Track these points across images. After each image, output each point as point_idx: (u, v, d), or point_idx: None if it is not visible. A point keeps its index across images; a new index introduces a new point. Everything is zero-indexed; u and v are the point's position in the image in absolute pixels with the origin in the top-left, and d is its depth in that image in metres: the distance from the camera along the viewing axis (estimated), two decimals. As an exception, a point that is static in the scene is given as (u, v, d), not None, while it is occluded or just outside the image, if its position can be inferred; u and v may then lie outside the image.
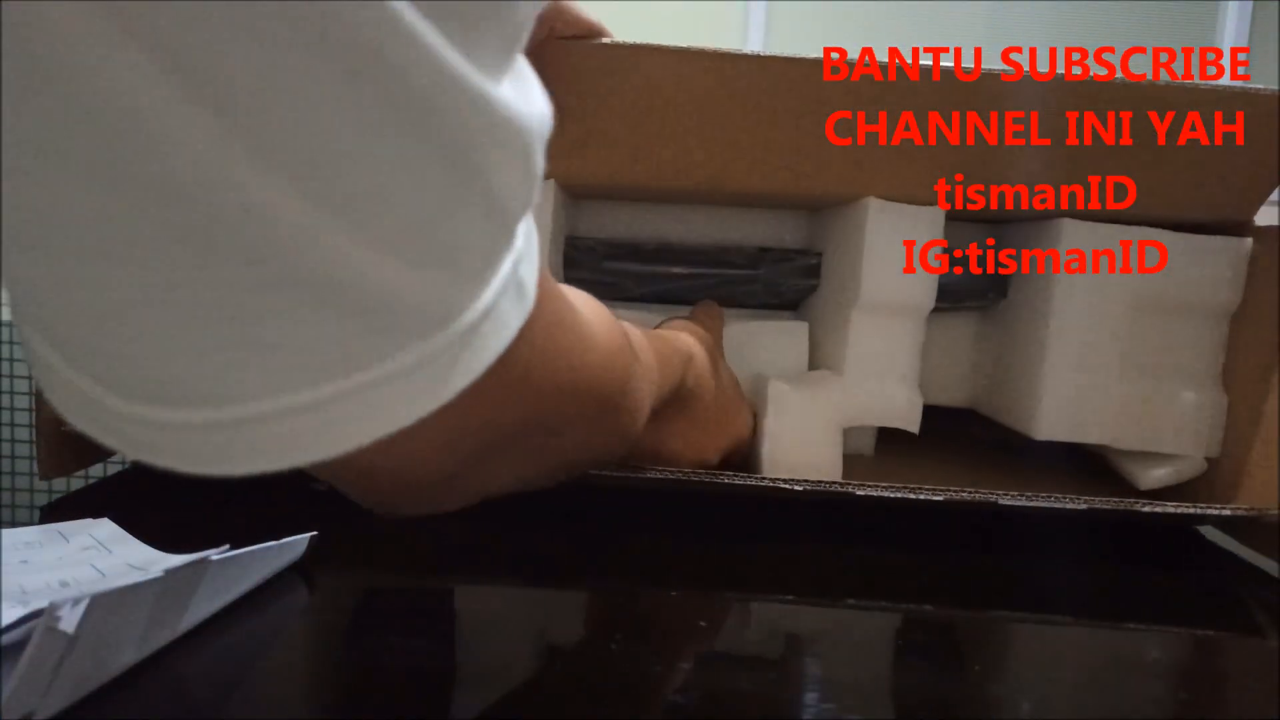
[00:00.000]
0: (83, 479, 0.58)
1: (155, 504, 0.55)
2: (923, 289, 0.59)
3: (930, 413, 0.68)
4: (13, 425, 0.69)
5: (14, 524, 0.44)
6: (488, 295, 0.23)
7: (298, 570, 0.42)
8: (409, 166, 0.19)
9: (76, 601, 0.25)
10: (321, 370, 0.21)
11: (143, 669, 0.32)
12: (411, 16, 0.17)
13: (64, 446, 0.53)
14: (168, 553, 0.40)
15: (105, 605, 0.27)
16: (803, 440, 0.56)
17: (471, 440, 0.27)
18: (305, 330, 0.20)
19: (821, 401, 0.57)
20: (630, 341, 0.37)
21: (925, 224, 0.58)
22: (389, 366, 0.21)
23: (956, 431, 0.69)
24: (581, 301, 0.33)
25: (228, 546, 0.36)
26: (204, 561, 0.33)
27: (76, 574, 0.36)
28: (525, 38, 0.21)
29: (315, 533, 0.42)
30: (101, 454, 0.59)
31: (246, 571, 0.38)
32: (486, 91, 0.19)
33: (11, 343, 1.02)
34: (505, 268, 0.24)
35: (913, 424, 0.60)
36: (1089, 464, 0.64)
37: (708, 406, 0.51)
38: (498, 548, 0.51)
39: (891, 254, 0.58)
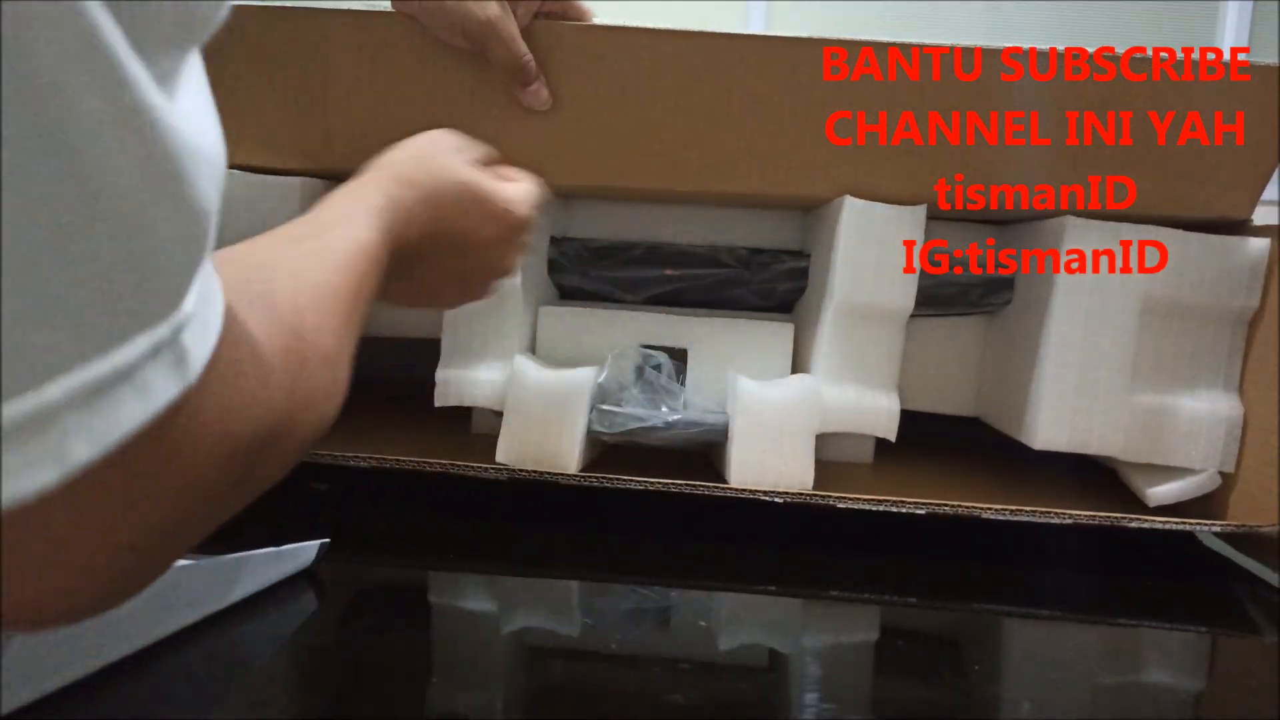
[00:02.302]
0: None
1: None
2: (900, 292, 0.57)
3: (938, 422, 0.68)
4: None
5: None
6: (119, 358, 0.20)
7: (305, 573, 0.42)
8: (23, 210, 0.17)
9: None
10: None
11: (143, 668, 0.32)
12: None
13: None
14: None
15: None
16: (771, 444, 0.54)
17: (136, 541, 0.23)
18: None
19: (792, 405, 0.55)
20: (295, 333, 0.31)
21: (905, 224, 0.56)
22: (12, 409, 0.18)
23: (967, 441, 0.68)
24: (255, 322, 0.27)
25: (213, 554, 0.36)
26: (179, 569, 0.33)
27: None
28: (206, 34, 0.19)
29: (327, 540, 0.42)
30: None
31: (251, 574, 0.38)
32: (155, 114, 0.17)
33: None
34: (157, 333, 0.20)
35: (889, 432, 0.58)
36: (1104, 474, 0.62)
37: (459, 229, 0.43)
38: (498, 548, 0.51)
39: (866, 255, 0.56)
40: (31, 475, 0.19)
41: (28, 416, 0.18)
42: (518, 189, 0.47)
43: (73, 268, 0.18)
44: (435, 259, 0.43)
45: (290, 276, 0.33)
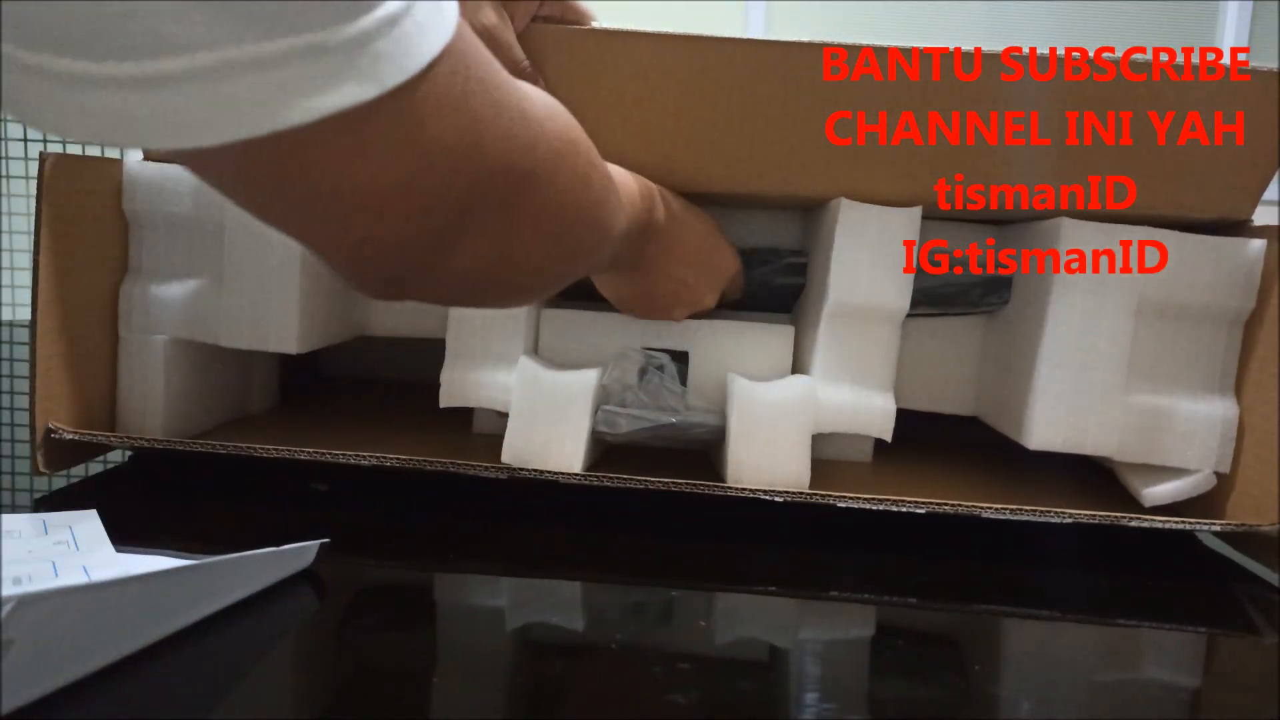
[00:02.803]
0: (95, 468, 0.58)
1: (158, 502, 0.55)
2: (895, 292, 0.57)
3: (937, 421, 0.68)
4: (13, 412, 0.69)
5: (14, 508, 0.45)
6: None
7: (305, 573, 0.42)
8: None
9: (6, 603, 0.25)
10: (283, 23, 0.21)
11: (143, 668, 0.32)
12: None
13: (61, 443, 0.53)
14: (160, 552, 0.40)
15: (39, 609, 0.27)
16: (769, 444, 0.54)
17: (432, 181, 0.28)
18: None
19: (788, 405, 0.55)
20: (581, 133, 0.37)
21: (900, 225, 0.57)
22: (335, 34, 0.22)
23: (966, 440, 0.69)
24: (522, 89, 0.33)
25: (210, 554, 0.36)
26: (178, 570, 0.33)
27: (35, 571, 0.36)
28: None
29: (327, 540, 0.42)
30: (100, 449, 0.59)
31: (252, 574, 0.38)
32: None
33: (12, 343, 1.02)
34: None
35: (885, 432, 0.58)
36: (1104, 474, 0.62)
37: (689, 245, 0.53)
38: (499, 548, 0.51)
39: (861, 256, 0.57)
40: (360, 88, 0.23)
41: (355, 38, 0.23)
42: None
43: None
44: (671, 259, 0.52)
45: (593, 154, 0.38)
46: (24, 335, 1.04)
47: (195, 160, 0.25)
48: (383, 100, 0.24)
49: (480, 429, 0.65)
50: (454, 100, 0.27)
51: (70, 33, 0.20)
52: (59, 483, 0.56)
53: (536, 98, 0.33)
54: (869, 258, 0.57)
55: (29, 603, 0.26)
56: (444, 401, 0.59)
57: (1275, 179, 0.55)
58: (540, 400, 0.55)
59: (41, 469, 0.52)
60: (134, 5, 0.20)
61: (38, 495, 0.54)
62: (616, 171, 0.43)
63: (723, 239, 0.58)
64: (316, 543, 0.42)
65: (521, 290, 0.38)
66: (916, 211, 0.57)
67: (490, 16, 0.51)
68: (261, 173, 0.25)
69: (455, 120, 0.27)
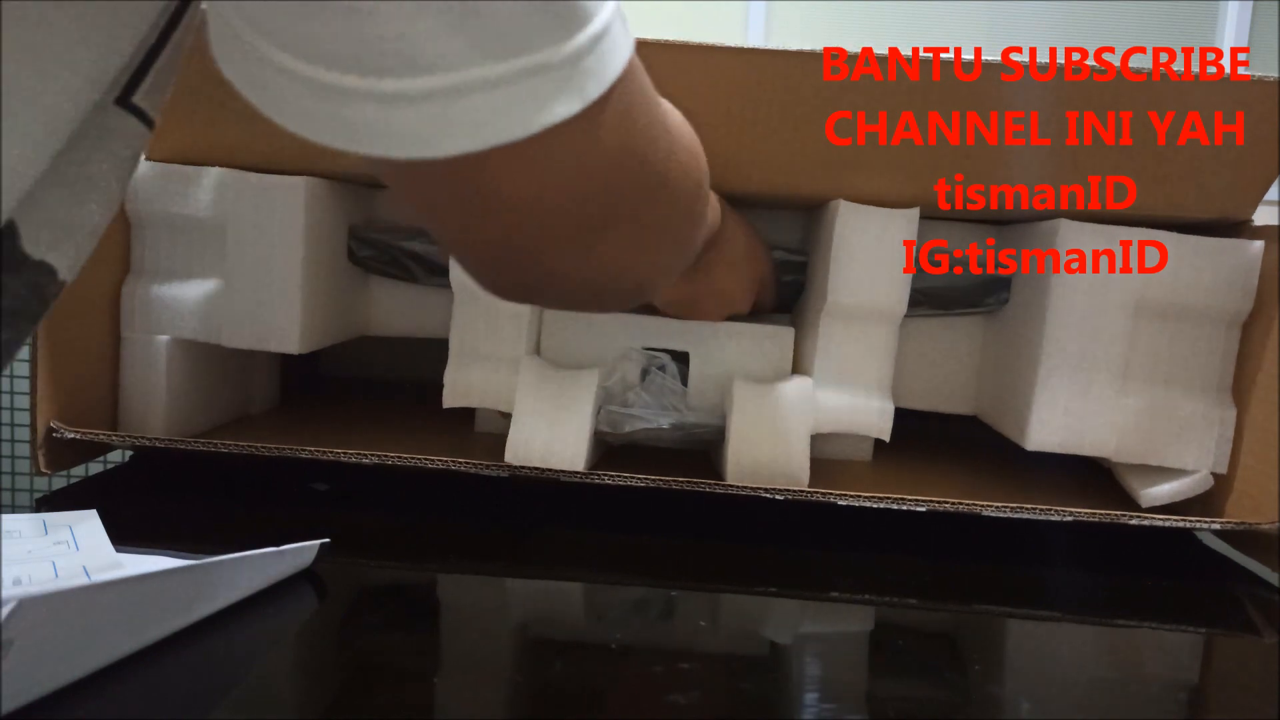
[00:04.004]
0: (97, 465, 0.58)
1: (158, 502, 0.55)
2: (894, 294, 0.57)
3: (936, 420, 0.68)
4: (13, 413, 0.69)
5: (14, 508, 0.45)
6: (608, 10, 0.26)
7: (305, 573, 0.42)
8: None
9: (6, 604, 0.25)
10: (514, 44, 0.23)
11: (143, 668, 0.32)
12: None
13: (63, 443, 0.53)
14: (160, 552, 0.40)
15: (39, 610, 0.27)
16: (768, 443, 0.54)
17: (595, 187, 0.29)
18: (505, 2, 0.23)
19: (789, 405, 0.56)
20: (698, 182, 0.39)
21: (898, 227, 0.57)
22: (556, 52, 0.24)
23: (966, 439, 0.69)
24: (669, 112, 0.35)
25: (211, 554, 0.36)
26: (178, 570, 0.33)
27: (35, 571, 0.36)
28: None
29: (326, 539, 0.42)
30: (101, 449, 0.59)
31: (252, 574, 0.38)
32: None
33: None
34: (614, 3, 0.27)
35: (883, 432, 0.58)
36: (1104, 474, 0.62)
37: (737, 248, 0.54)
38: (499, 548, 0.51)
39: (860, 257, 0.57)
40: (568, 104, 0.25)
41: (581, 47, 0.25)
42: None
43: None
44: (722, 266, 0.53)
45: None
46: (24, 335, 1.04)
47: (399, 170, 0.27)
48: (579, 112, 0.26)
49: (482, 429, 0.65)
50: (628, 110, 0.29)
51: (342, 50, 0.23)
52: (59, 483, 0.56)
53: (670, 107, 0.35)
54: (868, 259, 0.57)
55: (29, 603, 0.26)
56: (448, 401, 0.59)
57: (1275, 179, 0.55)
58: (543, 400, 0.55)
59: (43, 469, 0.52)
60: (403, 29, 0.22)
61: (38, 495, 0.54)
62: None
63: (759, 240, 0.58)
64: (316, 543, 0.42)
65: (633, 296, 0.39)
66: (914, 213, 0.57)
67: None
68: (456, 181, 0.27)
69: (625, 130, 0.29)
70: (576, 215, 0.30)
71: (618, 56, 0.27)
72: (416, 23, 0.22)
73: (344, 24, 0.22)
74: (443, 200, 0.28)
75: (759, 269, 0.59)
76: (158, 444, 0.55)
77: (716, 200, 0.50)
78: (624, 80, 0.28)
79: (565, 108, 0.25)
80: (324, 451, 0.52)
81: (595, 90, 0.26)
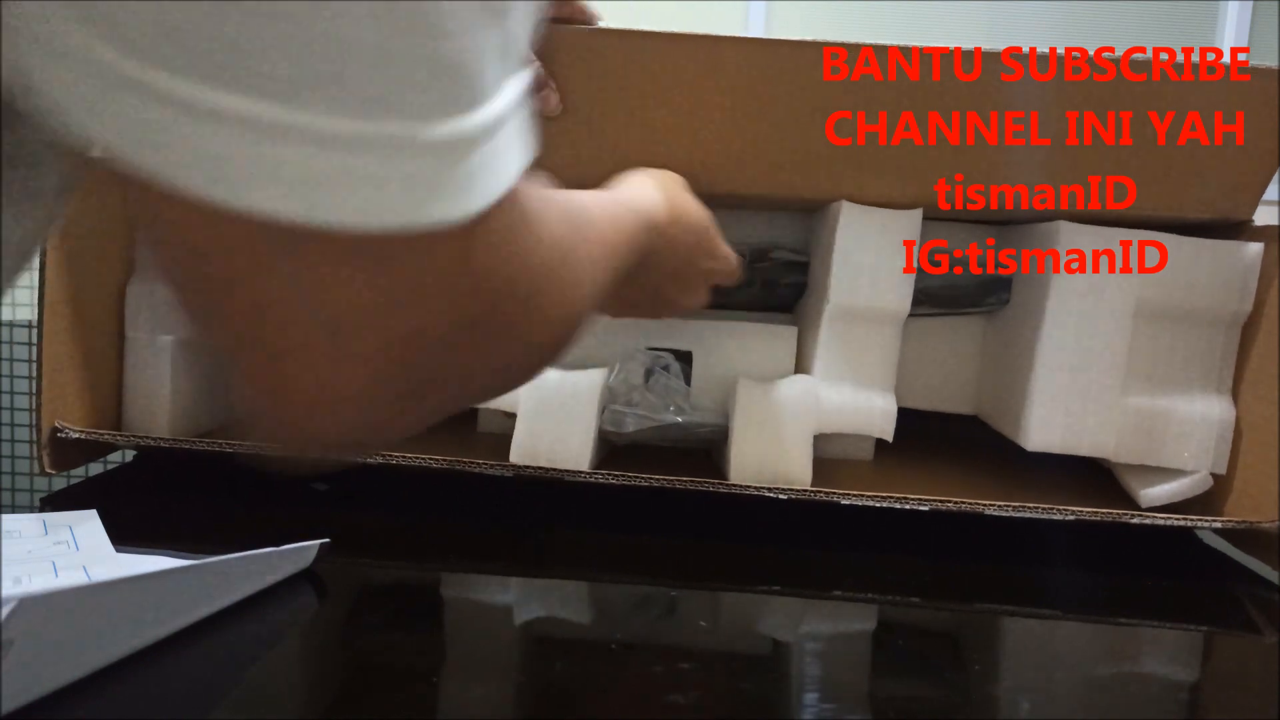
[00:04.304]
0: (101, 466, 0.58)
1: (159, 502, 0.55)
2: (895, 295, 0.58)
3: (937, 420, 0.68)
4: (13, 413, 0.69)
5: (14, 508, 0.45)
6: (502, 102, 0.22)
7: (305, 573, 0.42)
8: None
9: (6, 604, 0.25)
10: (380, 103, 0.19)
11: (143, 668, 0.32)
12: None
13: (67, 443, 0.53)
14: (160, 552, 0.40)
15: (39, 609, 0.27)
16: (770, 443, 0.55)
17: (423, 338, 0.24)
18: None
19: (792, 405, 0.56)
20: (596, 250, 0.34)
21: (901, 228, 0.57)
22: (443, 129, 0.20)
23: (967, 439, 0.69)
24: (562, 227, 0.30)
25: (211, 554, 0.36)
26: (178, 570, 0.33)
27: (35, 571, 0.37)
28: None
29: (327, 540, 0.42)
30: (105, 449, 0.59)
31: (252, 574, 0.38)
32: None
33: (12, 343, 1.02)
34: (515, 88, 0.23)
35: (886, 432, 0.59)
36: (1105, 473, 0.62)
37: (678, 255, 0.49)
38: (499, 548, 0.51)
39: (862, 258, 0.57)
40: (497, 180, 0.22)
41: (488, 128, 0.21)
42: (724, 242, 0.54)
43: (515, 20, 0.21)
44: (655, 277, 0.48)
45: (590, 220, 0.35)
46: (24, 335, 1.04)
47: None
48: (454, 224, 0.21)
49: (485, 429, 0.65)
50: (503, 241, 0.24)
51: (261, 75, 0.18)
52: (59, 483, 0.56)
53: (562, 234, 0.29)
54: (870, 260, 0.57)
55: (29, 603, 0.26)
56: None
57: (1275, 179, 0.55)
58: (548, 400, 0.55)
59: (47, 469, 0.52)
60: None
61: (39, 495, 0.54)
62: (619, 213, 0.40)
63: (715, 242, 0.54)
64: (316, 543, 0.42)
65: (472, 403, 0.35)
66: (917, 214, 0.57)
67: None
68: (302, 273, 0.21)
69: (488, 266, 0.24)
70: (418, 345, 0.24)
71: (500, 171, 0.22)
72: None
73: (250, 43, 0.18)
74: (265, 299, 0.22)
75: (712, 268, 0.53)
76: (162, 444, 0.55)
77: (656, 211, 0.45)
78: (519, 192, 0.23)
79: (441, 209, 0.20)
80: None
81: (471, 203, 0.21)
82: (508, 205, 0.23)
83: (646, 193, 0.46)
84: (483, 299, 0.24)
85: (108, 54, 0.18)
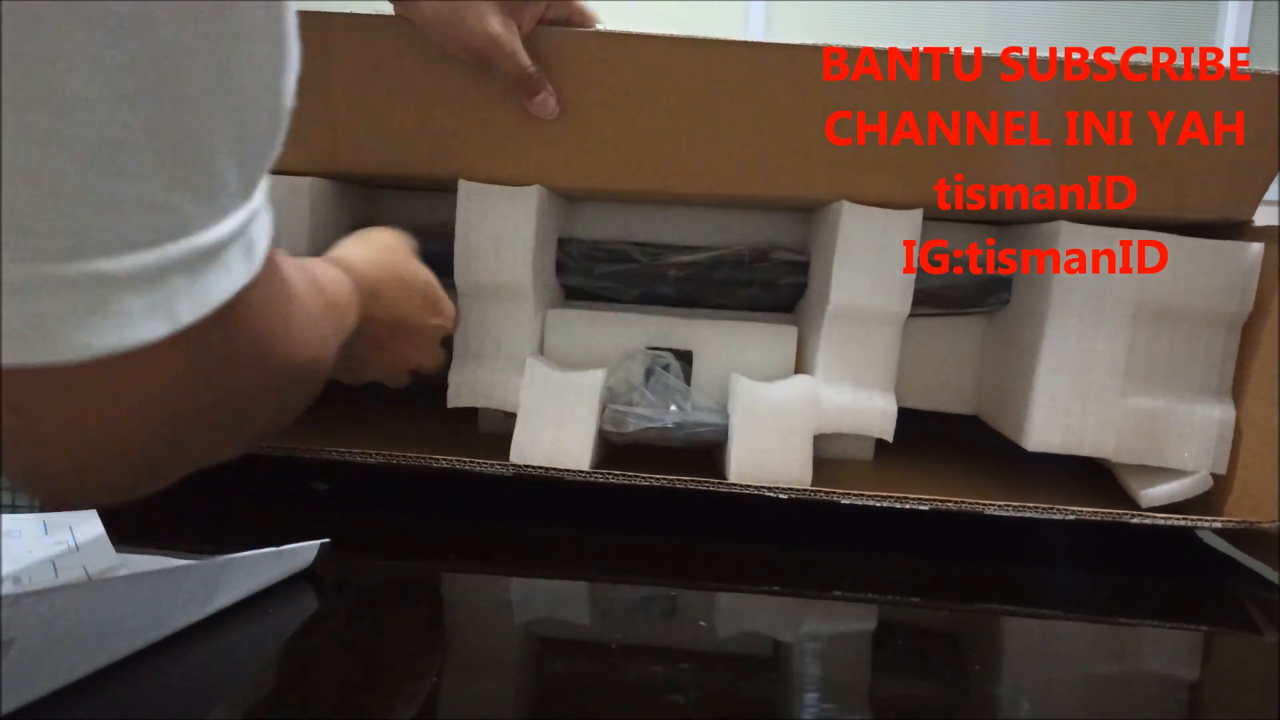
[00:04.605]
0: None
1: (158, 502, 0.55)
2: (896, 295, 0.57)
3: (937, 420, 0.68)
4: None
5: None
6: (222, 230, 0.23)
7: (305, 573, 0.42)
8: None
9: (6, 604, 0.25)
10: (71, 238, 0.20)
11: (143, 668, 0.32)
12: None
13: None
14: (160, 552, 0.40)
15: (39, 609, 0.27)
16: (770, 442, 0.55)
17: (169, 427, 0.26)
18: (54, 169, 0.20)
19: (791, 405, 0.56)
20: (331, 321, 0.38)
21: (902, 229, 0.57)
22: (135, 261, 0.21)
23: (967, 439, 0.69)
24: (303, 288, 0.33)
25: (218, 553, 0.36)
26: (178, 570, 0.33)
27: (35, 571, 0.37)
28: None
29: (327, 540, 0.42)
30: None
31: (251, 574, 0.38)
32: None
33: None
34: (239, 217, 0.24)
35: (886, 433, 0.58)
36: (1105, 473, 0.62)
37: (381, 324, 0.50)
38: (499, 548, 0.51)
39: (864, 258, 0.57)
40: (148, 325, 0.22)
41: (150, 269, 0.22)
42: (448, 299, 0.56)
43: (217, 132, 0.22)
44: (380, 335, 0.51)
45: (319, 283, 0.38)
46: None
47: None
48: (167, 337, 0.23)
49: (485, 430, 0.65)
50: (231, 339, 0.26)
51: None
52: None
53: (306, 295, 0.33)
54: (871, 261, 0.57)
55: (29, 603, 0.26)
56: (452, 401, 0.59)
57: (1276, 179, 0.55)
58: (548, 400, 0.55)
59: None
60: None
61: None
62: (338, 275, 0.43)
63: (438, 299, 0.55)
64: (316, 543, 0.42)
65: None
66: (918, 214, 0.57)
67: (495, 25, 0.51)
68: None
69: (224, 362, 0.27)
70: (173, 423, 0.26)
71: (216, 287, 0.24)
72: None
73: None
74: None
75: (429, 327, 0.54)
76: None
77: (355, 288, 0.46)
78: (236, 306, 0.25)
79: (144, 329, 0.22)
80: (329, 450, 0.52)
81: (178, 319, 0.23)
82: (263, 283, 0.26)
83: (359, 257, 0.49)
84: (241, 364, 0.27)
85: None
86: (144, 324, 0.22)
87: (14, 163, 0.19)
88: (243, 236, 0.25)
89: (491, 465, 0.52)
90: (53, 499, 0.29)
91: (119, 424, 0.25)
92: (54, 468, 0.25)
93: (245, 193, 0.25)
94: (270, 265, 0.27)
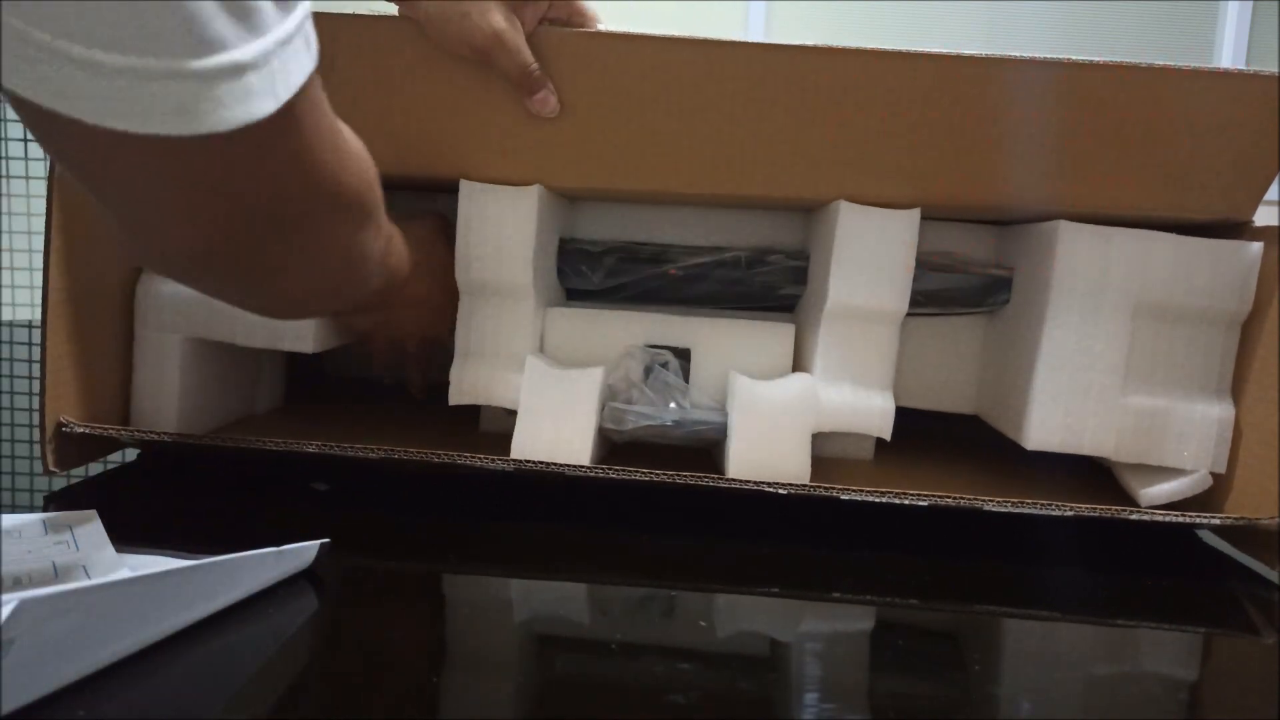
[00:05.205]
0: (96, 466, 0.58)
1: (160, 501, 0.55)
2: (894, 294, 0.58)
3: (938, 419, 0.68)
4: (13, 412, 0.69)
5: (14, 507, 0.45)
6: (291, 24, 0.30)
7: (305, 573, 0.42)
8: None
9: (6, 604, 0.25)
10: (207, 41, 0.28)
11: (143, 668, 0.32)
12: None
13: (71, 440, 0.53)
14: (160, 552, 0.40)
15: (39, 609, 0.27)
16: (768, 440, 0.55)
17: (273, 188, 0.34)
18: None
19: (789, 403, 0.56)
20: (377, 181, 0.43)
21: (899, 227, 0.57)
22: (246, 51, 0.29)
23: (968, 438, 0.69)
24: (353, 143, 0.40)
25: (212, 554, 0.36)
26: (178, 570, 0.33)
27: (35, 571, 0.37)
28: None
29: (327, 540, 0.42)
30: (108, 448, 0.59)
31: (251, 574, 0.38)
32: None
33: (11, 343, 1.02)
34: (299, 12, 0.31)
35: (884, 431, 0.58)
36: (1106, 473, 0.62)
37: (419, 292, 0.58)
38: (499, 547, 0.51)
39: (861, 258, 0.57)
40: (264, 103, 0.30)
41: (262, 54, 0.29)
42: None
43: None
44: (401, 306, 0.58)
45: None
46: (24, 335, 1.04)
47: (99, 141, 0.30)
48: (272, 113, 0.30)
49: (487, 427, 0.65)
50: (305, 120, 0.33)
51: (80, 24, 0.26)
52: (59, 484, 0.56)
53: (351, 135, 0.40)
54: (869, 260, 0.57)
55: (29, 603, 0.26)
56: (453, 399, 0.59)
57: (1276, 179, 0.55)
58: (548, 397, 0.55)
59: (50, 466, 0.52)
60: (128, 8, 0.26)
61: (40, 495, 0.54)
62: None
63: (447, 276, 0.60)
64: (316, 543, 0.42)
65: (301, 302, 0.45)
66: (915, 214, 0.57)
67: (499, 21, 0.51)
68: (144, 164, 0.30)
69: (304, 136, 0.34)
70: (252, 201, 0.34)
71: (301, 68, 0.31)
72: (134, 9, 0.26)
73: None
74: (132, 182, 0.32)
75: (446, 299, 0.61)
76: (164, 438, 0.55)
77: (405, 253, 0.53)
78: (304, 94, 0.32)
79: (261, 106, 0.29)
80: (330, 446, 0.52)
81: (285, 92, 0.30)
82: (305, 98, 0.32)
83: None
84: (304, 162, 0.35)
85: (16, 22, 0.26)
86: (261, 101, 0.29)
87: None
88: (303, 28, 0.32)
89: (492, 460, 0.52)
90: (149, 255, 0.38)
91: (208, 192, 0.32)
92: (154, 225, 0.33)
93: None
94: (317, 77, 0.34)
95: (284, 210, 0.36)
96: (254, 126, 0.29)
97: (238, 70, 0.28)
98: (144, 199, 0.32)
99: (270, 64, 0.29)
